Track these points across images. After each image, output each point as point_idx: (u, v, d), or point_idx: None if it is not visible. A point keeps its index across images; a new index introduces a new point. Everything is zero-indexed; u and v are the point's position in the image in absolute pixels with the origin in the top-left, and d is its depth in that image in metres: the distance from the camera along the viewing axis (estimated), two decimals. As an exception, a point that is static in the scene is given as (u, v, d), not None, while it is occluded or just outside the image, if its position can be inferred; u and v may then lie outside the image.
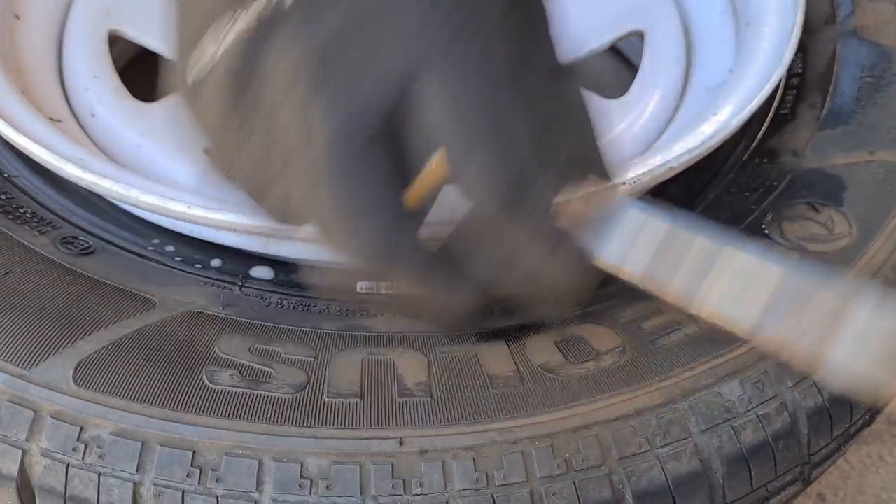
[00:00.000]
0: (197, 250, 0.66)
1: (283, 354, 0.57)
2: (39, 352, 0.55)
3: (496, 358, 0.58)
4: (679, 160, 0.64)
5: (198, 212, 0.59)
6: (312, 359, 0.57)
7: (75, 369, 0.54)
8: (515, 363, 0.58)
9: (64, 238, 0.64)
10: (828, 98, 0.76)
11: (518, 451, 0.53)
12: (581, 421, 0.54)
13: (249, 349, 0.57)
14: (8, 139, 0.65)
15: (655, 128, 0.79)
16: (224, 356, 0.56)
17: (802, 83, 0.79)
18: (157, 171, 0.72)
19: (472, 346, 0.59)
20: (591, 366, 0.57)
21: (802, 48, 0.80)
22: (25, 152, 0.64)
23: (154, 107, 0.78)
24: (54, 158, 0.62)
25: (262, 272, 0.65)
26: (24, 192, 0.67)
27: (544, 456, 0.53)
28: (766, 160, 0.74)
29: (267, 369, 0.56)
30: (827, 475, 0.85)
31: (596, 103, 0.73)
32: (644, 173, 0.63)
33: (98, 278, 0.61)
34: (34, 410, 0.53)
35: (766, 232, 0.67)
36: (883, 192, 0.69)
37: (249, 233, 0.60)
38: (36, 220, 0.65)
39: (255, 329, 0.59)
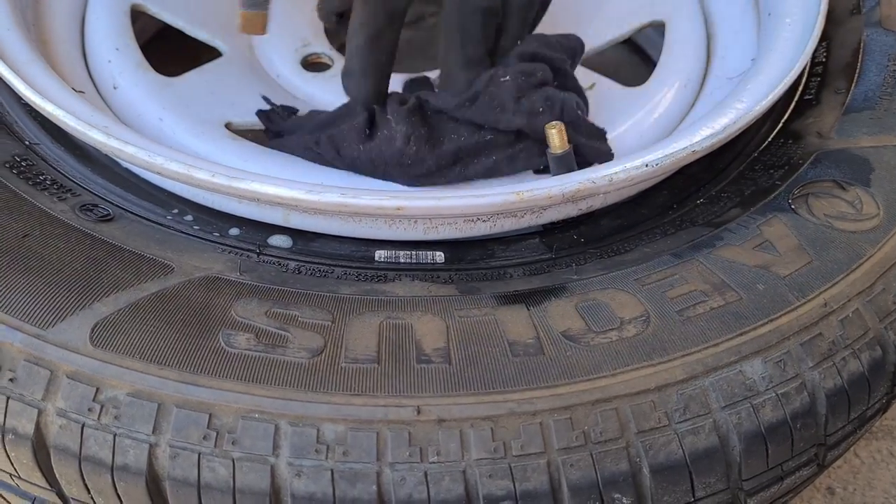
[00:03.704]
0: (216, 220, 0.66)
1: (300, 318, 0.57)
2: (57, 312, 0.55)
3: (516, 323, 0.57)
4: (702, 144, 0.63)
5: (221, 179, 0.59)
6: (330, 323, 0.57)
7: (92, 330, 0.54)
8: (536, 329, 0.57)
9: (84, 205, 0.64)
10: (853, 84, 0.76)
11: (537, 423, 0.52)
12: (601, 394, 0.53)
13: (266, 313, 0.57)
14: (34, 105, 0.65)
15: (675, 116, 0.79)
16: (241, 319, 0.56)
17: (826, 70, 0.79)
18: (178, 144, 0.72)
19: (492, 311, 0.59)
20: (614, 335, 0.57)
21: (826, 37, 0.79)
22: (51, 118, 0.64)
23: (176, 81, 0.78)
24: (80, 125, 0.62)
25: (280, 241, 0.65)
26: (45, 160, 0.67)
27: (563, 428, 0.53)
28: (790, 141, 0.73)
29: (284, 333, 0.56)
30: (837, 469, 0.84)
31: (616, 91, 0.73)
32: (667, 156, 0.62)
33: (116, 244, 0.60)
34: (50, 370, 0.53)
35: (792, 207, 0.66)
36: (910, 175, 0.68)
37: (271, 203, 0.60)
38: (56, 186, 0.65)
39: (273, 293, 0.59)
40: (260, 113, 0.75)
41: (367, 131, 0.67)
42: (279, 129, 0.74)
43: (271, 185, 0.59)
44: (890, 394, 0.63)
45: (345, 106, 0.72)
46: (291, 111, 0.76)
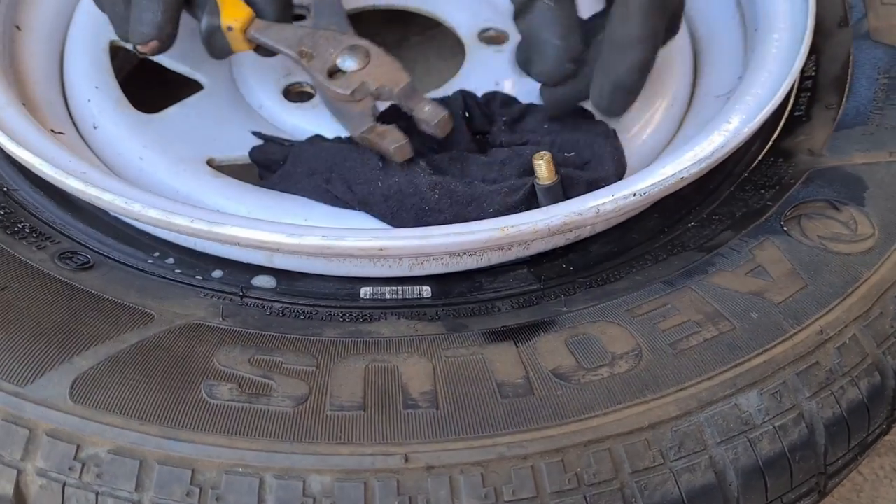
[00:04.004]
0: (198, 262, 0.65)
1: (283, 365, 0.56)
2: (35, 368, 0.54)
3: (505, 362, 0.56)
4: (690, 171, 0.62)
5: (201, 225, 0.58)
6: (314, 368, 0.56)
7: (72, 386, 0.53)
8: (525, 368, 0.56)
9: (63, 253, 0.63)
10: (844, 99, 0.75)
11: (528, 467, 0.51)
12: (593, 434, 0.52)
13: (249, 360, 0.56)
14: (9, 152, 0.64)
15: (663, 137, 0.77)
16: (223, 369, 0.55)
17: (816, 85, 0.77)
18: (159, 184, 0.71)
19: (480, 349, 0.57)
20: (606, 372, 0.56)
21: (815, 50, 0.78)
22: (27, 166, 0.63)
23: (156, 118, 0.77)
24: (56, 172, 0.61)
25: (264, 281, 0.64)
26: (23, 207, 0.67)
27: (555, 471, 0.51)
28: (781, 159, 0.72)
29: (267, 381, 0.54)
30: (840, 488, 0.83)
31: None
32: (655, 184, 0.61)
33: (96, 293, 0.59)
34: (29, 429, 0.52)
35: (784, 229, 0.65)
36: (904, 193, 0.67)
37: (253, 246, 0.59)
38: (35, 235, 0.64)
39: (256, 339, 0.58)
40: (254, 151, 0.73)
41: (381, 164, 0.65)
42: (278, 165, 0.71)
43: (252, 229, 0.58)
44: (890, 418, 0.62)
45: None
46: (286, 143, 0.74)
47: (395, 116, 0.69)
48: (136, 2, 0.68)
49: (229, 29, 0.69)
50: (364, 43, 0.70)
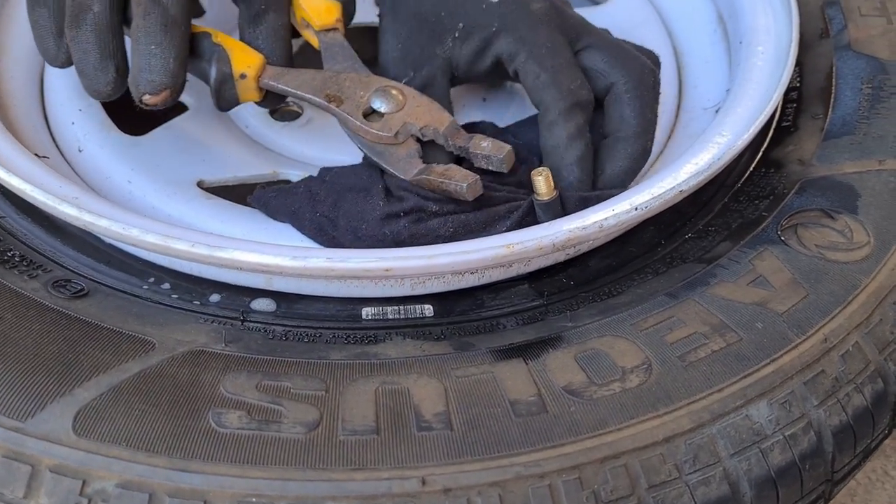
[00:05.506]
0: (195, 286, 0.64)
1: (292, 390, 0.55)
2: (35, 402, 0.52)
3: (516, 380, 0.56)
4: (689, 183, 0.63)
5: (202, 250, 0.56)
6: (323, 392, 0.55)
7: (74, 418, 0.51)
8: (537, 385, 0.55)
9: (56, 281, 0.61)
10: (830, 109, 0.76)
11: (545, 485, 0.51)
12: (609, 450, 0.52)
13: (257, 386, 0.55)
14: None
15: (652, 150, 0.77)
16: (230, 396, 0.54)
17: (801, 96, 0.78)
18: (150, 207, 0.70)
19: (490, 367, 0.57)
20: (617, 386, 0.55)
21: (798, 62, 0.79)
22: (18, 193, 0.61)
23: (143, 140, 0.76)
24: (49, 199, 0.59)
25: (264, 304, 0.63)
26: (12, 235, 0.65)
27: (572, 489, 0.51)
28: (772, 170, 0.73)
29: (276, 407, 0.53)
30: (834, 491, 0.84)
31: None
32: (655, 198, 0.61)
33: (93, 321, 0.58)
34: (31, 465, 0.50)
35: (782, 239, 0.65)
36: (896, 201, 0.68)
37: (255, 270, 0.58)
38: (26, 263, 0.62)
39: (262, 364, 0.57)
40: (254, 199, 0.69)
41: (382, 203, 0.63)
42: (282, 209, 0.68)
43: (254, 252, 0.57)
44: (891, 423, 0.62)
45: (353, 170, 0.68)
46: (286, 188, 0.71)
47: (434, 154, 0.66)
48: (142, 48, 0.61)
49: (242, 77, 0.66)
50: (396, 84, 0.68)
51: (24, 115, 0.75)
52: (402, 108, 0.66)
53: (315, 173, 0.70)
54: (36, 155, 0.70)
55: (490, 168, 0.65)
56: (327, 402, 0.54)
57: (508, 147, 0.64)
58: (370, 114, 0.66)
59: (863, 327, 0.60)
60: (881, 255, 0.63)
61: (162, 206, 0.70)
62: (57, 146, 0.75)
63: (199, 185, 0.73)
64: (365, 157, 0.69)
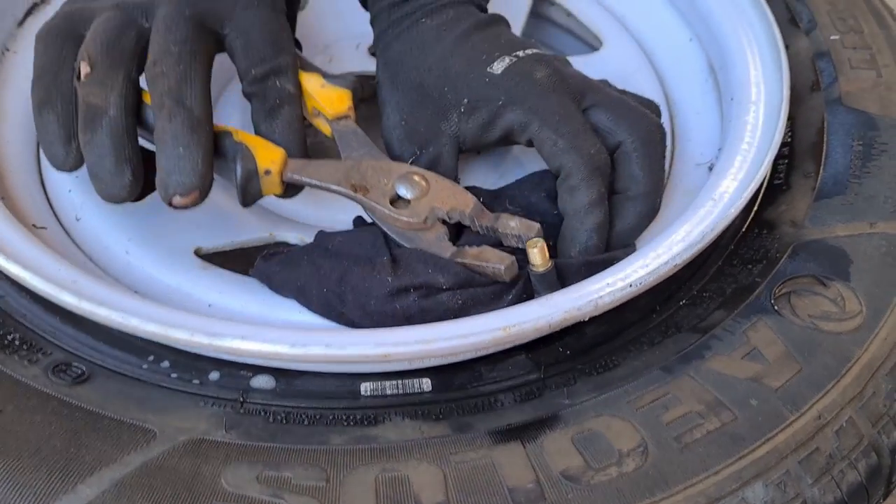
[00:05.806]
0: (194, 363, 0.64)
1: (293, 481, 0.55)
2: (38, 501, 0.52)
3: (514, 465, 0.56)
4: (682, 256, 0.63)
5: (200, 339, 0.57)
6: (324, 483, 0.55)
7: (78, 517, 0.52)
8: (535, 471, 0.56)
9: (56, 366, 0.61)
10: (821, 167, 0.76)
11: (545, 581, 0.51)
12: (607, 540, 0.53)
13: (258, 478, 0.55)
14: None
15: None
16: (231, 490, 0.54)
17: (793, 152, 0.79)
18: (148, 278, 0.70)
19: (488, 451, 0.57)
20: (614, 471, 0.56)
21: (789, 116, 0.79)
22: (17, 280, 0.61)
23: (139, 206, 0.75)
24: (49, 287, 0.60)
25: (263, 382, 0.63)
26: (11, 316, 0.65)
27: (572, 582, 0.52)
28: (765, 231, 0.73)
29: (278, 500, 0.54)
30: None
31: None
32: (650, 273, 0.62)
33: (95, 410, 0.58)
34: (36, 567, 0.51)
35: (776, 308, 0.66)
36: (887, 266, 0.68)
37: (253, 356, 0.58)
38: (25, 347, 0.63)
39: (262, 453, 0.57)
40: (256, 271, 0.69)
41: (390, 278, 0.63)
42: (286, 283, 0.67)
43: (253, 341, 0.57)
44: (886, 493, 0.63)
45: (357, 238, 0.67)
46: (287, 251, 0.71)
47: (464, 236, 0.68)
48: (170, 151, 0.61)
49: (267, 173, 0.66)
50: (416, 169, 0.69)
51: (21, 183, 0.75)
52: (427, 193, 0.67)
53: (311, 233, 0.70)
54: (34, 226, 0.71)
55: (521, 246, 0.65)
56: (328, 494, 0.55)
57: (537, 226, 0.65)
58: (396, 200, 0.67)
59: (856, 401, 0.61)
60: (873, 326, 0.64)
61: (160, 276, 0.70)
62: (55, 214, 0.75)
63: (197, 252, 0.73)
64: (358, 218, 0.70)
